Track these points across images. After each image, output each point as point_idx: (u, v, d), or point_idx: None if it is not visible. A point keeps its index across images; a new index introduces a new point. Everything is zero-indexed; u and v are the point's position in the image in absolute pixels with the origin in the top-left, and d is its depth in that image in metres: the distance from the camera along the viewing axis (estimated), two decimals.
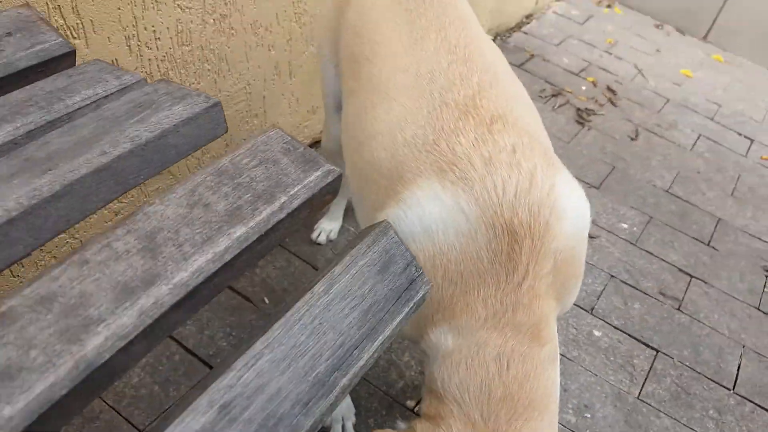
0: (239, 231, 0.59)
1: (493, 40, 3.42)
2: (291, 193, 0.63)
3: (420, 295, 0.64)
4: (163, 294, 0.53)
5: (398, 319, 0.61)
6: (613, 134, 3.01)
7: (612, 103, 3.22)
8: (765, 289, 2.39)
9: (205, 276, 0.56)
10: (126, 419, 1.57)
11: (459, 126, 1.11)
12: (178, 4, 1.71)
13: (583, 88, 3.29)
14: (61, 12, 1.48)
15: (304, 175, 0.64)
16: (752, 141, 3.27)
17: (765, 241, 2.62)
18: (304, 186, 0.64)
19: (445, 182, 1.07)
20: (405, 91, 1.21)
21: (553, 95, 3.15)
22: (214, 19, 1.84)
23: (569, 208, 1.10)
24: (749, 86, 3.75)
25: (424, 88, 1.19)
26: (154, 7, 1.66)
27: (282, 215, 0.61)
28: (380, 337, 0.59)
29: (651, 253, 2.41)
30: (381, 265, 0.63)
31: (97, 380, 0.49)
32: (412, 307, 0.63)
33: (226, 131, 0.76)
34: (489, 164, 1.06)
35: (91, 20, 1.55)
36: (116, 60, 1.65)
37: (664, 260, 2.40)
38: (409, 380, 1.78)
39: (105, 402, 1.60)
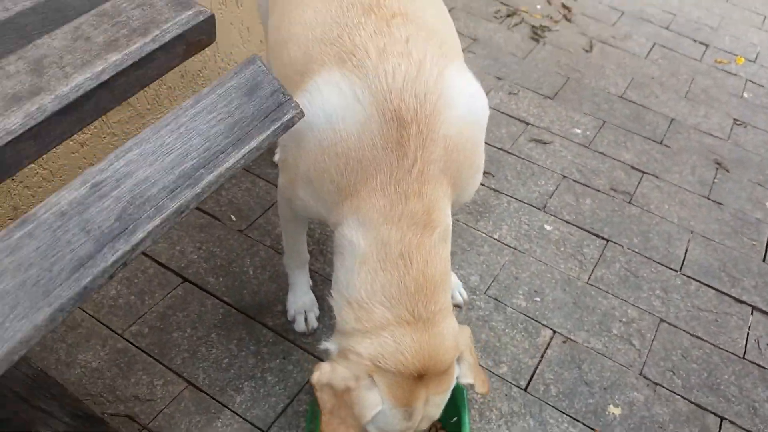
0: (115, 57, 0.67)
1: None
2: (164, 28, 0.71)
3: (288, 116, 0.72)
4: (46, 102, 0.62)
5: (265, 134, 0.70)
6: (567, 48, 3.06)
7: (567, 19, 3.26)
8: (715, 180, 2.48)
9: (84, 91, 0.64)
10: (106, 325, 1.70)
11: (361, 21, 1.18)
12: None
13: (538, 6, 3.33)
14: None
15: (176, 14, 0.72)
16: (707, 46, 3.31)
17: (716, 137, 2.70)
18: (176, 23, 0.72)
19: (344, 70, 1.14)
20: None
21: (508, 15, 3.19)
22: None
23: (459, 96, 1.17)
24: None
25: None
26: None
27: (155, 46, 0.69)
28: (246, 147, 0.68)
29: (604, 154, 2.50)
30: (248, 89, 0.71)
31: None
32: (279, 126, 0.71)
33: None
34: (383, 53, 1.13)
35: None
36: None
37: (616, 159, 2.48)
38: None
39: (86, 312, 1.72)
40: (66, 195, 0.58)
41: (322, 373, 1.14)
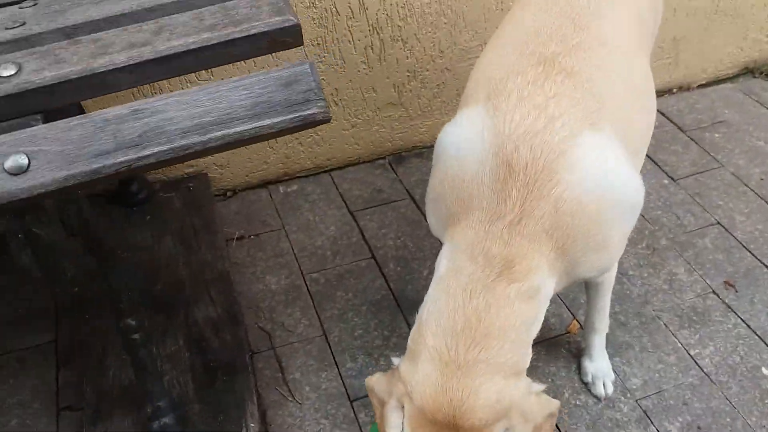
0: (206, 35, 0.94)
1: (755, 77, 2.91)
2: (253, 24, 0.95)
3: (309, 111, 0.87)
4: (145, 53, 0.93)
5: (281, 119, 0.86)
6: None
7: None
8: None
9: (180, 51, 0.94)
10: (299, 264, 2.11)
11: (527, 69, 1.22)
12: None
13: None
14: None
15: (269, 17, 0.96)
16: None
17: None
18: (266, 23, 0.95)
19: (484, 108, 1.20)
20: (512, 40, 1.35)
21: None
22: None
23: (586, 163, 1.13)
24: None
25: (525, 40, 1.30)
26: None
27: (240, 35, 0.95)
28: (259, 122, 0.87)
29: None
30: (286, 82, 0.88)
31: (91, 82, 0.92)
32: (297, 116, 0.87)
33: None
34: (521, 101, 1.16)
35: None
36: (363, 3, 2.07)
37: None
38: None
39: (293, 249, 2.16)
40: (114, 110, 0.86)
41: (372, 379, 1.20)
